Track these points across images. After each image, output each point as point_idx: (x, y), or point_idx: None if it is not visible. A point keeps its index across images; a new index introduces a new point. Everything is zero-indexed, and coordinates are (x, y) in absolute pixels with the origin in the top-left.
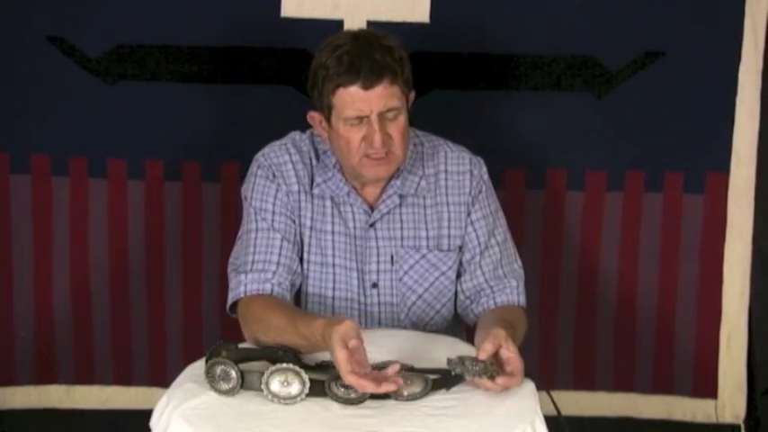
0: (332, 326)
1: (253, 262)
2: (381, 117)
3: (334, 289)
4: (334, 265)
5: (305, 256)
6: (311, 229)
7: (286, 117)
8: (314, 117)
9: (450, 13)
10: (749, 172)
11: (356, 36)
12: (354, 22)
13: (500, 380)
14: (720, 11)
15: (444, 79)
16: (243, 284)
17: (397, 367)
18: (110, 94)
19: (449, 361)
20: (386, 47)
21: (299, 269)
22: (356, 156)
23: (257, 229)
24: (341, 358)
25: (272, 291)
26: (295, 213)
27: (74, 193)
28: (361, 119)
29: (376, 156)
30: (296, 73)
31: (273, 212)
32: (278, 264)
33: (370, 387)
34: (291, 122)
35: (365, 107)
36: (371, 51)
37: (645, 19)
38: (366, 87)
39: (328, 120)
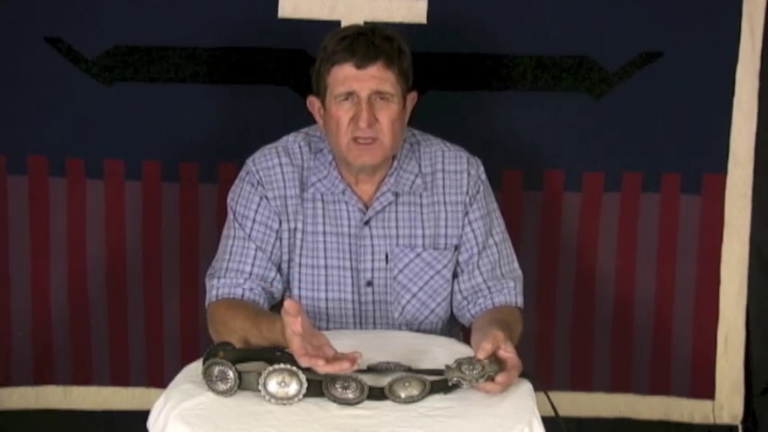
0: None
1: (227, 269)
2: (372, 98)
3: (326, 291)
4: (326, 266)
5: (296, 259)
6: (303, 231)
7: (283, 118)
8: (313, 103)
9: (448, 14)
10: (746, 173)
11: (363, 26)
12: (351, 23)
13: (499, 377)
14: (718, 12)
15: (441, 80)
16: (215, 288)
17: (357, 355)
18: (107, 95)
19: (446, 368)
20: (388, 36)
21: (276, 278)
22: (344, 137)
23: (234, 237)
24: (294, 346)
25: (242, 295)
26: (281, 219)
27: (71, 194)
28: (350, 95)
29: (363, 138)
30: (293, 73)
31: (254, 221)
32: (250, 273)
33: (321, 364)
34: (289, 123)
35: (356, 85)
36: (372, 37)
37: (642, 20)
38: (359, 66)
39: (324, 103)
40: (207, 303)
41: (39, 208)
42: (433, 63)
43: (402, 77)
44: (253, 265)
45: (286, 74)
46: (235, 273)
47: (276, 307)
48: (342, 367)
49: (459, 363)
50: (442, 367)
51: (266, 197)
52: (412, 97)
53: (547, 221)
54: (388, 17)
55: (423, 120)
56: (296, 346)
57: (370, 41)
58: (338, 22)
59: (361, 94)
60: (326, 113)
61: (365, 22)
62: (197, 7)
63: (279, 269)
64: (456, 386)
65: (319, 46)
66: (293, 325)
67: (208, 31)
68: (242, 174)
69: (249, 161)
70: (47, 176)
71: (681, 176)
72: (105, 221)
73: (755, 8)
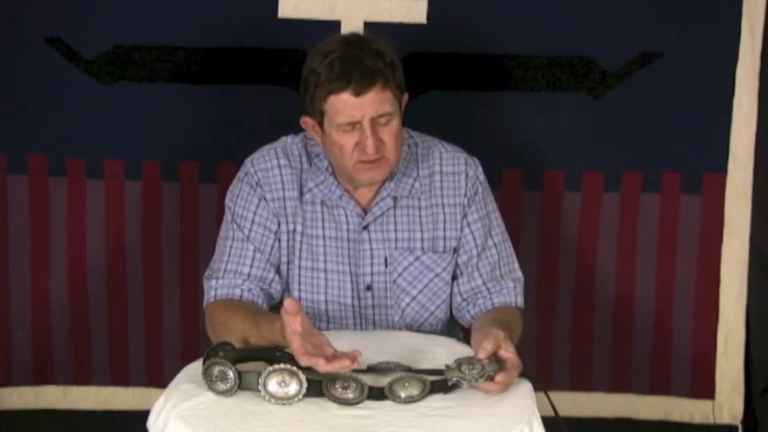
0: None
1: (225, 270)
2: (374, 122)
3: (326, 294)
4: (326, 270)
5: (296, 261)
6: (302, 234)
7: (283, 118)
8: (307, 122)
9: (448, 14)
10: (746, 173)
11: (347, 41)
12: (352, 23)
13: (499, 377)
14: (718, 12)
15: (441, 80)
16: (213, 289)
17: (357, 354)
18: (107, 95)
19: (446, 368)
20: (377, 51)
21: (275, 279)
22: (350, 161)
23: (233, 238)
24: (293, 345)
25: (241, 296)
26: (280, 221)
27: (71, 194)
28: (353, 125)
29: (369, 160)
30: (293, 73)
31: (252, 222)
32: (248, 274)
33: (321, 363)
34: (288, 123)
35: (357, 113)
36: (362, 57)
37: (642, 20)
38: (357, 94)
39: (321, 125)
40: (205, 305)
41: (39, 208)
42: (434, 63)
43: (398, 90)
44: (251, 266)
45: (286, 74)
46: (233, 274)
47: (275, 308)
48: (342, 365)
49: (459, 362)
50: (442, 367)
51: (265, 198)
52: (405, 99)
53: (547, 221)
54: (389, 17)
55: (423, 120)
56: (296, 345)
57: (362, 64)
58: (338, 23)
59: (363, 121)
60: (326, 136)
61: (365, 23)
62: (197, 7)
63: (277, 271)
64: (456, 386)
65: (306, 63)
66: (293, 324)
67: (208, 32)
68: (240, 174)
69: (248, 162)
70: (47, 176)
71: (681, 176)
72: (105, 221)
73: (755, 8)
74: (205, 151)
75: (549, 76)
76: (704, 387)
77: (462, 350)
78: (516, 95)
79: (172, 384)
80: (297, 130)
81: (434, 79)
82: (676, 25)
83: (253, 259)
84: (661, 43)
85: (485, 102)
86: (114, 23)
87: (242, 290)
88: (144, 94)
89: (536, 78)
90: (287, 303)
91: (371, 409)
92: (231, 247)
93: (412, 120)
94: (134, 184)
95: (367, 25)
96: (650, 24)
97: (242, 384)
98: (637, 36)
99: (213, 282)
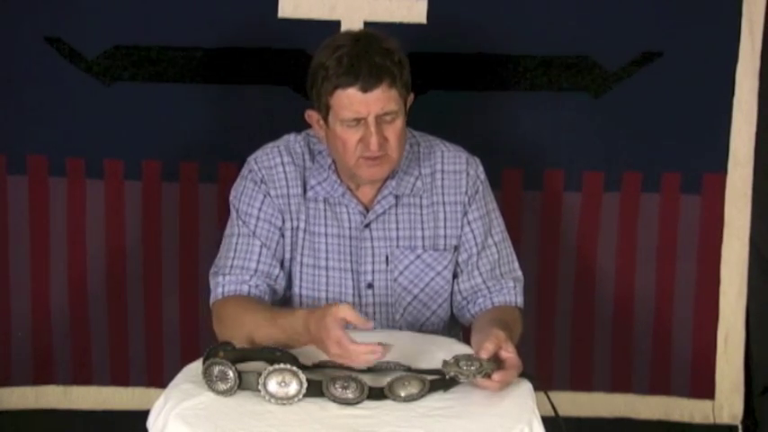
0: (314, 313)
1: (232, 266)
2: (378, 120)
3: (327, 291)
4: (327, 267)
5: (297, 258)
6: (305, 231)
7: (283, 117)
8: (312, 116)
9: (448, 14)
10: (746, 172)
11: (357, 37)
12: (352, 23)
13: (497, 375)
14: (718, 12)
15: (441, 80)
16: (221, 286)
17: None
18: (107, 95)
19: (444, 363)
20: (385, 50)
21: (280, 275)
22: (352, 157)
23: (239, 234)
24: (352, 347)
25: (248, 292)
26: (284, 217)
27: (71, 194)
28: (358, 120)
29: (372, 157)
30: (293, 73)
31: (258, 218)
32: (255, 270)
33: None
34: (289, 123)
35: (363, 109)
36: (371, 53)
37: (642, 20)
38: (364, 90)
39: (325, 119)
40: (212, 301)
41: (39, 208)
42: (433, 63)
43: (404, 89)
44: (258, 261)
45: (286, 74)
46: (240, 270)
47: (278, 304)
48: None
49: (457, 359)
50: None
51: (269, 194)
52: (410, 99)
53: (547, 221)
54: (389, 17)
55: (423, 120)
56: (354, 346)
57: (371, 61)
58: (338, 22)
59: (368, 118)
60: (330, 131)
61: (365, 23)
62: (197, 7)
63: (282, 266)
64: (454, 381)
65: (315, 57)
66: (367, 324)
67: (208, 31)
68: (244, 172)
69: (251, 159)
70: (47, 176)
71: (681, 176)
72: (105, 221)
73: (755, 8)
74: (205, 151)
75: (549, 76)
76: (704, 387)
77: (462, 350)
78: (516, 95)
79: (172, 384)
80: (297, 129)
81: (434, 79)
82: (676, 25)
83: (259, 255)
84: (661, 43)
85: (485, 101)
86: (114, 23)
87: (249, 286)
88: (144, 93)
89: (536, 78)
90: (343, 310)
91: (371, 408)
92: (237, 243)
93: (412, 119)
94: (134, 184)
95: (367, 25)
96: (650, 24)
97: (242, 384)
98: (637, 36)
99: (220, 278)
